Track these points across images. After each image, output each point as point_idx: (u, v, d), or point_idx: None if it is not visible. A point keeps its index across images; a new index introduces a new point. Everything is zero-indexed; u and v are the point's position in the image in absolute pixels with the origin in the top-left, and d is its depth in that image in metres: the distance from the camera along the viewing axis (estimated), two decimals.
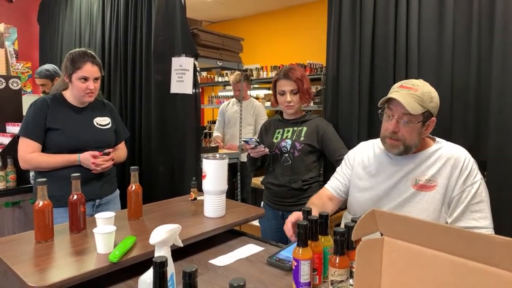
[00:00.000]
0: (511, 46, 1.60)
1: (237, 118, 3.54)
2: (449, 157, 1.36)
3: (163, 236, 0.89)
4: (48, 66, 2.96)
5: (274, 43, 5.88)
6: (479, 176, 1.35)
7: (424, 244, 0.65)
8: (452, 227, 0.63)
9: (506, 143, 1.64)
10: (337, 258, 0.93)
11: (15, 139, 2.16)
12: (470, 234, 0.60)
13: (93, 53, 1.90)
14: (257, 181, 3.87)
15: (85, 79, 1.82)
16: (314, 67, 4.95)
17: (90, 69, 1.83)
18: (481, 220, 1.30)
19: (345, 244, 0.93)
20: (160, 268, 0.75)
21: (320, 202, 1.55)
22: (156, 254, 0.90)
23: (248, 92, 4.01)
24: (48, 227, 1.19)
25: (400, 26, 1.90)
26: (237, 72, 3.61)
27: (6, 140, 2.24)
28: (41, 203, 1.19)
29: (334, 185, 1.60)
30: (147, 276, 0.88)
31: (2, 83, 2.34)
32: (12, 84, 2.39)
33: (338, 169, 1.64)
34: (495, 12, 1.64)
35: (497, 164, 1.66)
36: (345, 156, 1.63)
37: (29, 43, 4.92)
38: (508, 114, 1.63)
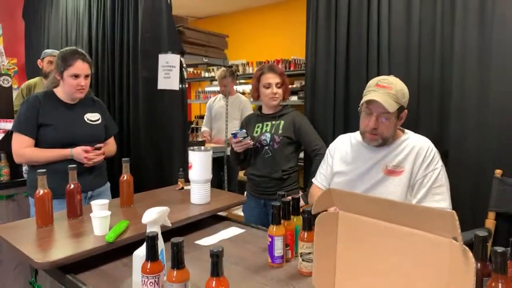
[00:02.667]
0: (469, 46, 1.77)
1: (223, 113, 3.66)
2: (414, 146, 1.52)
3: (154, 216, 1.02)
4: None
5: (260, 39, 5.99)
6: (440, 163, 1.52)
7: (369, 215, 0.80)
8: (389, 200, 0.78)
9: (465, 135, 1.80)
10: (305, 233, 1.08)
11: (8, 135, 2.24)
12: (401, 205, 0.75)
13: (83, 52, 1.99)
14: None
15: (76, 76, 1.91)
16: (298, 62, 5.09)
17: (81, 66, 1.91)
18: (441, 201, 1.46)
19: (312, 221, 1.08)
20: (152, 241, 0.89)
21: None
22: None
23: (234, 87, 4.13)
24: (48, 213, 1.31)
25: (372, 27, 2.05)
26: (223, 68, 3.72)
27: None
28: (41, 192, 1.31)
29: (321, 179, 1.75)
30: (140, 251, 1.01)
31: None
32: (3, 82, 2.46)
33: (322, 162, 1.79)
34: (455, 14, 1.80)
35: (457, 153, 1.83)
36: (327, 150, 1.78)
37: (14, 39, 4.92)
38: (467, 108, 1.79)
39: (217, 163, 3.47)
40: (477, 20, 1.74)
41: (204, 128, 4.08)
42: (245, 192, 2.29)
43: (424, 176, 1.48)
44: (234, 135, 2.04)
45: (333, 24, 2.19)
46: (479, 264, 0.88)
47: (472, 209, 1.80)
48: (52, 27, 4.02)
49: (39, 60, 3.13)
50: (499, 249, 0.78)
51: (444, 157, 1.73)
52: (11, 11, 5.03)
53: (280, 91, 2.10)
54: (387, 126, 1.48)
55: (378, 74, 2.03)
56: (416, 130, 1.73)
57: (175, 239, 0.84)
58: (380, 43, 2.04)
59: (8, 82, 2.49)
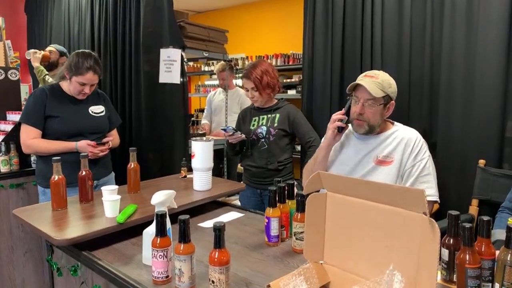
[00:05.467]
0: (457, 44, 1.87)
1: (222, 106, 3.75)
2: (403, 137, 1.62)
3: (162, 198, 1.13)
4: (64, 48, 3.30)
5: (259, 33, 6.06)
6: (427, 153, 1.62)
7: (353, 195, 0.91)
8: (369, 181, 0.89)
9: (452, 127, 1.92)
10: (299, 214, 1.19)
11: (16, 126, 2.34)
12: (380, 185, 0.86)
13: (97, 58, 2.04)
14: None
15: (83, 84, 1.99)
16: (297, 57, 5.17)
17: (91, 78, 1.99)
18: (428, 189, 1.56)
19: (305, 203, 1.19)
20: (161, 218, 0.99)
21: None
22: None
23: (234, 81, 4.20)
24: (62, 197, 1.43)
25: (366, 22, 2.15)
26: (222, 62, 3.79)
27: (8, 127, 2.41)
28: (56, 177, 1.42)
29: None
30: (150, 229, 1.12)
31: (2, 74, 2.51)
32: (10, 75, 2.56)
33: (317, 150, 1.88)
34: (444, 14, 1.90)
35: (444, 144, 1.94)
36: (323, 138, 1.87)
37: (16, 33, 4.97)
38: (453, 101, 1.90)
39: (217, 155, 3.57)
40: (464, 17, 1.84)
41: (204, 121, 4.17)
42: (242, 183, 2.39)
43: (412, 165, 1.58)
44: (224, 130, 2.18)
45: (330, 18, 2.29)
46: (451, 240, 0.99)
47: (457, 196, 1.91)
48: (54, 21, 4.05)
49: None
50: (467, 225, 0.90)
51: (432, 148, 1.85)
52: (13, 4, 5.08)
53: (256, 93, 2.19)
54: (372, 112, 1.56)
55: (372, 67, 2.13)
56: (407, 122, 1.83)
57: (182, 216, 0.95)
58: (373, 37, 2.14)
59: (16, 76, 2.58)
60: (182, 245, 0.95)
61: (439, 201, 1.62)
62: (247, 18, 6.20)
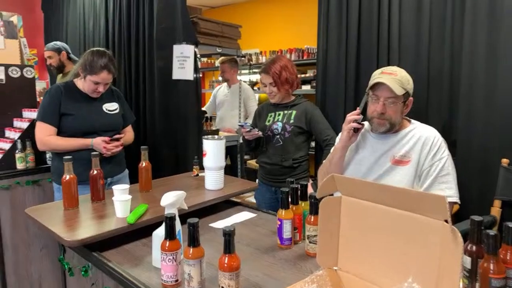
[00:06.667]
0: (479, 37, 1.78)
1: (225, 101, 3.81)
2: (421, 135, 1.56)
3: (172, 199, 1.11)
4: (58, 42, 3.23)
5: (273, 28, 5.99)
6: (446, 152, 1.55)
7: (370, 199, 0.87)
8: (386, 185, 0.85)
9: (473, 125, 1.83)
10: (312, 217, 1.15)
11: (32, 124, 2.36)
12: (398, 190, 0.81)
13: (112, 57, 2.02)
14: (253, 162, 4.12)
15: (97, 83, 1.99)
16: (312, 51, 5.09)
17: (105, 77, 1.98)
18: (447, 190, 1.50)
19: (318, 206, 1.15)
20: (171, 221, 0.97)
21: None
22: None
23: (248, 77, 4.18)
24: (74, 196, 1.42)
25: (383, 16, 2.07)
26: (223, 57, 3.80)
27: (24, 124, 2.44)
28: (68, 177, 1.42)
29: None
30: (159, 231, 1.10)
31: (17, 72, 2.53)
32: (26, 73, 2.58)
33: (331, 150, 1.83)
34: (465, 5, 1.81)
35: (464, 142, 1.86)
36: (337, 138, 1.83)
37: (34, 31, 5.06)
38: (475, 98, 1.82)
39: (228, 151, 3.56)
40: (487, 7, 1.74)
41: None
42: (257, 180, 2.37)
43: (430, 165, 1.52)
44: (242, 126, 2.16)
45: (344, 12, 2.22)
46: (474, 247, 0.94)
47: (479, 197, 1.83)
48: (70, 18, 4.11)
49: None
50: (491, 232, 0.84)
51: (452, 146, 1.77)
52: (30, 3, 5.17)
53: (274, 89, 2.16)
54: (394, 110, 1.51)
55: (388, 63, 2.06)
56: (425, 119, 1.76)
57: (191, 220, 0.92)
58: (390, 31, 2.06)
59: (32, 73, 2.60)
60: (191, 249, 0.93)
61: (459, 202, 1.56)
62: (261, 12, 6.13)
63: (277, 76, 2.13)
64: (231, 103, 3.75)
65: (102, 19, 3.41)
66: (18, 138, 2.42)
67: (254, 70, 5.99)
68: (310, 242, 1.16)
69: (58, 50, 3.11)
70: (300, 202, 1.26)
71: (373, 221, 0.86)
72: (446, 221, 0.73)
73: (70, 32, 4.10)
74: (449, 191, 1.51)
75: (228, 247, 0.88)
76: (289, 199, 1.22)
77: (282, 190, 1.20)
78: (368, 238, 0.87)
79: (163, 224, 1.09)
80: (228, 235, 0.88)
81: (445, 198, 0.73)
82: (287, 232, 1.21)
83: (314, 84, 4.97)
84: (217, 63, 4.21)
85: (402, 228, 0.81)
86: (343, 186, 0.91)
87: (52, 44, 3.15)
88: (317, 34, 2.41)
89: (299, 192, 1.25)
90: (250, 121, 3.93)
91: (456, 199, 1.53)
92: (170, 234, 0.97)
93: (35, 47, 5.22)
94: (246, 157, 4.26)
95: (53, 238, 2.30)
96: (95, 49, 2.06)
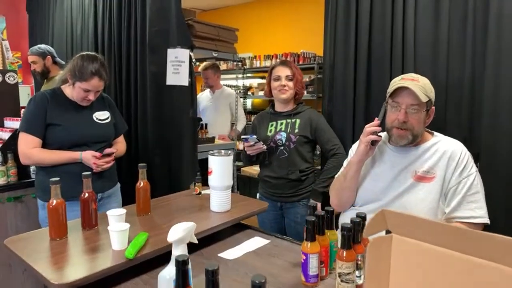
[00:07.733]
0: (504, 42, 1.66)
1: (208, 107, 3.76)
2: (446, 149, 1.42)
3: (180, 234, 0.93)
4: (42, 45, 2.94)
5: (268, 32, 5.86)
6: (474, 168, 1.42)
7: (431, 241, 0.71)
8: (460, 228, 0.69)
9: (498, 136, 1.70)
10: (344, 252, 0.99)
11: (15, 134, 2.16)
12: (475, 234, 0.65)
13: (103, 62, 1.86)
14: (250, 169, 3.97)
15: (88, 90, 1.82)
16: (307, 56, 4.97)
17: (96, 84, 1.81)
18: (477, 210, 1.37)
19: (351, 239, 0.99)
20: (183, 266, 0.80)
21: None
22: (174, 251, 0.94)
23: (242, 81, 4.08)
24: (62, 225, 1.23)
25: (397, 20, 1.94)
26: (206, 61, 3.74)
27: (5, 135, 2.23)
28: (54, 202, 1.23)
29: None
30: (167, 272, 0.92)
31: None
32: (8, 78, 2.37)
33: (344, 163, 1.69)
34: (489, 8, 1.68)
35: (489, 155, 1.73)
36: (350, 150, 1.68)
37: (18, 33, 4.83)
38: (500, 108, 1.69)
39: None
40: None
41: None
42: (258, 194, 2.20)
43: (458, 182, 1.39)
44: (245, 140, 1.96)
45: (353, 15, 2.08)
46: None
47: (505, 215, 1.70)
48: (56, 21, 3.92)
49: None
50: None
51: (475, 160, 1.64)
52: (14, 4, 4.93)
53: (290, 83, 2.02)
54: (417, 119, 1.38)
55: (403, 71, 1.93)
56: (443, 131, 1.63)
57: (210, 266, 0.75)
58: (405, 36, 1.92)
59: (14, 79, 2.40)
60: None
61: (489, 223, 1.42)
62: (255, 16, 6.00)
63: (297, 70, 2.03)
64: (215, 109, 3.72)
65: (91, 22, 3.23)
66: None
67: (248, 75, 5.85)
68: (342, 281, 1.00)
69: (43, 55, 2.85)
70: (326, 232, 1.10)
71: (436, 270, 0.70)
72: None
73: (57, 34, 3.90)
74: (480, 211, 1.39)
75: None
76: (315, 230, 1.05)
77: (307, 219, 1.03)
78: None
79: (170, 264, 0.91)
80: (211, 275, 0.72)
81: None
82: (313, 268, 1.04)
83: (310, 89, 4.87)
84: (199, 69, 4.08)
85: (477, 281, 0.65)
86: (395, 223, 0.75)
87: (36, 48, 2.88)
88: (323, 40, 2.26)
89: (325, 220, 1.09)
90: (239, 127, 3.86)
91: (487, 220, 1.40)
92: (183, 280, 0.80)
93: (19, 50, 4.97)
94: (239, 163, 4.11)
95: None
96: (85, 53, 1.87)
